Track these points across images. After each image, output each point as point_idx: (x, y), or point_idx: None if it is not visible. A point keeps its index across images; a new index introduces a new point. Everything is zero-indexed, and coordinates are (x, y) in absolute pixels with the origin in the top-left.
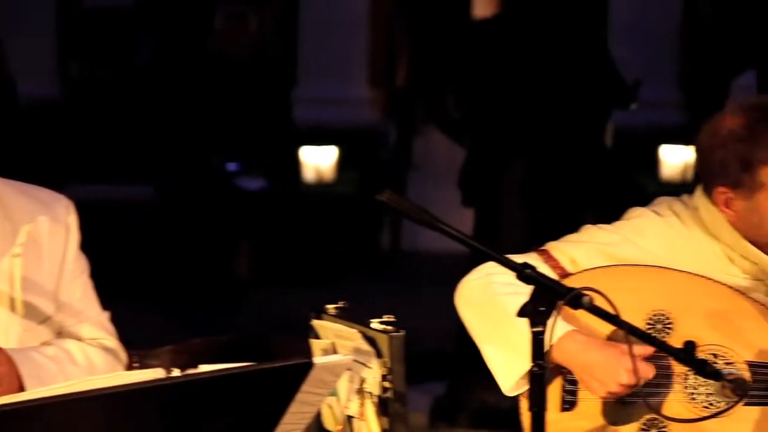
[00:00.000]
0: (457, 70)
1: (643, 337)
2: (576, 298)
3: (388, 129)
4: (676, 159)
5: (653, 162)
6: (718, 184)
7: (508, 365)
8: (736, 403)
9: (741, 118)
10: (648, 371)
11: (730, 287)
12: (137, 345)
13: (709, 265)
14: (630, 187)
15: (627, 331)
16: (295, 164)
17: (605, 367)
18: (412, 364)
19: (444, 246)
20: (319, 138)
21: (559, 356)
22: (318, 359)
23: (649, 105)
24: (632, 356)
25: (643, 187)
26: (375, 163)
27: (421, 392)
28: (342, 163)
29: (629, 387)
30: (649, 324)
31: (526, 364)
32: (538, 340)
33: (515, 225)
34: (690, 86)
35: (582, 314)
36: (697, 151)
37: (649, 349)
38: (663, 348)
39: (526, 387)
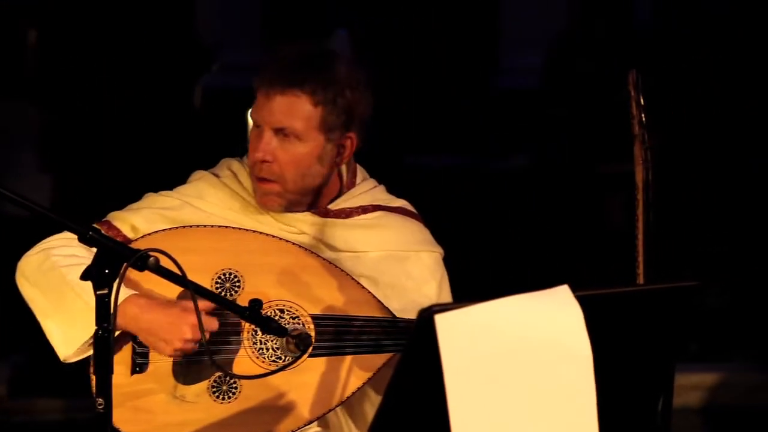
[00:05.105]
0: None
1: (209, 296)
2: (142, 259)
3: None
4: None
5: (243, 125)
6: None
7: (68, 334)
8: (300, 357)
9: None
10: (211, 323)
11: (294, 243)
12: None
13: (268, 221)
14: (222, 148)
15: (193, 291)
16: None
17: (169, 326)
18: None
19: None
20: None
21: (122, 322)
22: None
23: (236, 68)
24: (196, 311)
25: (237, 149)
26: None
27: (5, 364)
28: None
29: (194, 342)
30: (217, 283)
31: (87, 331)
32: (103, 303)
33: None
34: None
35: (147, 281)
36: None
37: (209, 304)
38: (229, 307)
39: (90, 352)
